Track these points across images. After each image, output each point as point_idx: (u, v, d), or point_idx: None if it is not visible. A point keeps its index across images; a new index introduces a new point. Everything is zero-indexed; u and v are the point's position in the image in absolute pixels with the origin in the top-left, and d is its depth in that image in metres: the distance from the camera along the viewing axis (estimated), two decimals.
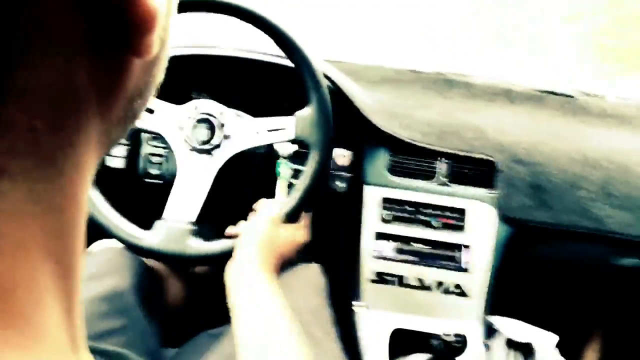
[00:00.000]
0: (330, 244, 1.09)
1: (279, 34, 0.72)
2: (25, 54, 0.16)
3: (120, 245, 0.75)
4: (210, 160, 0.75)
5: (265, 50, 0.93)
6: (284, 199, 0.77)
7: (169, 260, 0.75)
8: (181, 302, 0.92)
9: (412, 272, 0.87)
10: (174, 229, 0.72)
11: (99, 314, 0.65)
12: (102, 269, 0.72)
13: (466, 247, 0.88)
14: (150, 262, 0.82)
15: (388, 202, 0.89)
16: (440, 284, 0.87)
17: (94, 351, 0.25)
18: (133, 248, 0.72)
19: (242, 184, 0.92)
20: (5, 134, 0.17)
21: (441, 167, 0.90)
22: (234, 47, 0.93)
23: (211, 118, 0.75)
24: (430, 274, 0.87)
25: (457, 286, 0.87)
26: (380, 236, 0.89)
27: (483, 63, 1.81)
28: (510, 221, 0.88)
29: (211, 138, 0.75)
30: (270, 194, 0.82)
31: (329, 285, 0.78)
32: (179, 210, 0.73)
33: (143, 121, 0.76)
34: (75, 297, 0.21)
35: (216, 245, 0.72)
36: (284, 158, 0.82)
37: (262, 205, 0.76)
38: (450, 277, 0.87)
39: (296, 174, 0.83)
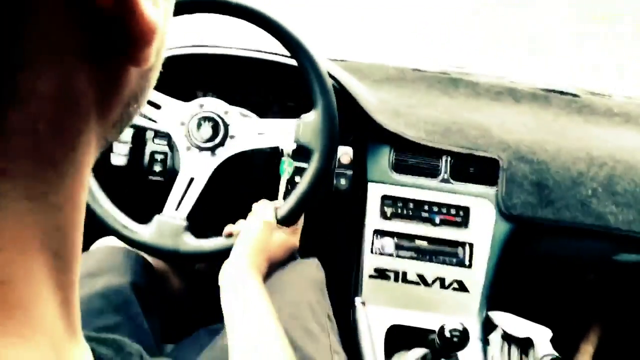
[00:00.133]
0: (331, 240, 1.09)
1: (287, 38, 0.72)
2: (28, 62, 0.17)
3: (120, 244, 0.75)
4: (212, 158, 0.75)
5: (271, 49, 0.93)
6: (281, 201, 0.77)
7: (161, 255, 0.75)
8: (180, 299, 0.92)
9: (412, 268, 0.88)
10: (169, 224, 0.72)
11: (96, 310, 0.66)
12: (100, 267, 0.72)
13: (469, 244, 0.88)
14: (150, 259, 0.82)
15: (390, 199, 0.89)
16: (440, 279, 0.88)
17: (90, 339, 0.26)
18: (127, 241, 0.73)
19: (244, 181, 0.92)
20: (7, 137, 0.17)
21: (445, 165, 0.90)
22: (238, 46, 0.94)
23: (216, 117, 0.75)
24: (431, 270, 0.88)
25: (458, 282, 0.88)
26: (382, 233, 0.89)
27: (484, 62, 1.81)
28: (512, 218, 0.88)
29: (215, 136, 0.75)
30: (273, 192, 0.82)
31: (328, 281, 0.78)
32: (175, 206, 0.74)
33: (149, 117, 0.76)
34: (72, 288, 0.22)
35: (209, 243, 0.73)
36: (288, 156, 0.82)
37: (260, 206, 0.76)
38: (451, 273, 0.88)
39: (299, 172, 0.83)
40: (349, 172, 0.90)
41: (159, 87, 0.75)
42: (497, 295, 0.90)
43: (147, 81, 0.24)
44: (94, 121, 0.21)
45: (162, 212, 0.74)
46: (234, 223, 0.77)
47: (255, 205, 0.77)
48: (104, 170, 0.85)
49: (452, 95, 1.00)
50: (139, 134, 0.88)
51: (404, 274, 0.88)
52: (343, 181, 0.90)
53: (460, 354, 0.75)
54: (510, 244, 0.89)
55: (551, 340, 0.83)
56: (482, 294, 0.88)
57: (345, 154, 0.90)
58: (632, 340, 1.17)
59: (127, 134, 0.86)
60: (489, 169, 0.90)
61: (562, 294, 1.19)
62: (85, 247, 0.82)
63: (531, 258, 1.02)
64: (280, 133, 0.76)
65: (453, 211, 0.89)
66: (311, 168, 0.73)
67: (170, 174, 0.86)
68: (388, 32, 2.04)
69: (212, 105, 0.77)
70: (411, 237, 0.89)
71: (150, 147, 0.88)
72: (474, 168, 0.90)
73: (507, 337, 0.85)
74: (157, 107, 0.76)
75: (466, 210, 0.89)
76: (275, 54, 0.93)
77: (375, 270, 0.88)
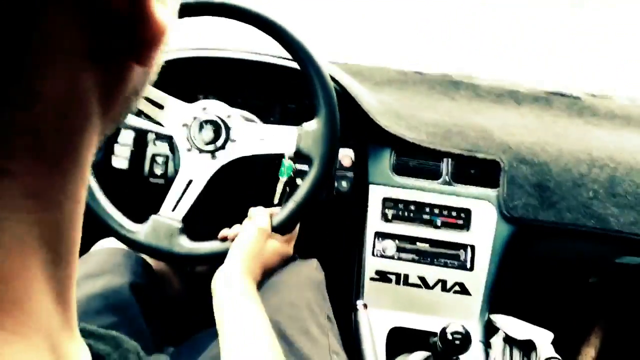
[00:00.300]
0: (332, 243, 1.09)
1: (291, 43, 0.72)
2: (37, 64, 0.17)
3: (120, 245, 0.75)
4: (212, 161, 0.75)
5: (271, 51, 0.93)
6: (277, 208, 0.76)
7: (156, 256, 0.75)
8: (180, 301, 0.92)
9: (413, 270, 0.88)
10: (164, 224, 0.72)
11: (94, 310, 0.66)
12: (99, 268, 0.72)
13: (471, 246, 0.88)
14: (150, 261, 0.82)
15: (391, 202, 0.89)
16: (442, 282, 0.88)
17: (89, 334, 0.26)
18: (123, 239, 0.72)
19: (243, 185, 0.92)
20: (11, 138, 0.17)
21: (446, 167, 0.90)
22: (239, 48, 0.94)
23: (218, 120, 0.75)
24: (432, 273, 0.88)
25: (460, 284, 0.87)
26: (383, 235, 0.89)
27: (484, 62, 1.81)
28: (514, 220, 0.88)
29: (216, 139, 0.75)
30: (271, 197, 0.83)
31: (330, 283, 0.78)
32: (172, 207, 0.74)
33: (152, 118, 0.76)
34: (68, 283, 0.22)
35: (204, 246, 0.72)
36: (289, 159, 0.82)
37: (255, 212, 0.75)
38: (452, 276, 0.88)
39: (300, 174, 0.83)
40: (350, 175, 0.90)
41: (161, 90, 0.75)
42: (498, 298, 0.90)
43: (147, 77, 0.25)
44: (96, 118, 0.21)
45: (159, 213, 0.74)
46: (230, 227, 0.77)
47: (251, 210, 0.76)
48: (105, 173, 0.85)
49: (453, 97, 1.00)
50: (141, 136, 0.88)
51: (406, 276, 0.88)
52: (344, 183, 0.90)
53: (462, 356, 0.74)
54: (512, 246, 0.89)
55: (553, 343, 0.82)
56: (484, 297, 0.88)
57: (346, 156, 0.90)
58: (634, 343, 1.17)
59: (129, 136, 0.86)
60: (490, 171, 0.90)
61: (564, 296, 1.19)
62: (86, 248, 0.82)
63: (532, 260, 1.02)
64: (281, 139, 0.75)
65: (454, 213, 0.89)
66: (309, 177, 0.72)
67: (171, 176, 0.86)
68: (388, 32, 2.04)
69: (215, 108, 0.77)
70: (412, 240, 0.89)
71: (151, 149, 0.88)
72: (475, 170, 0.90)
73: (509, 340, 0.85)
74: (160, 107, 0.76)
75: (467, 212, 0.89)
76: (276, 56, 0.93)
77: (377, 272, 0.88)
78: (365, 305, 0.88)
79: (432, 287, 0.88)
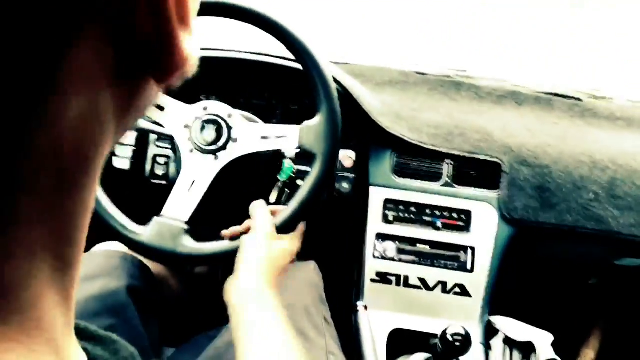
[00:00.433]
0: (332, 244, 1.09)
1: (293, 42, 0.72)
2: (61, 87, 0.17)
3: (117, 247, 0.75)
4: (213, 161, 0.75)
5: (274, 52, 0.93)
6: (278, 206, 0.76)
7: (159, 257, 0.74)
8: (179, 303, 0.92)
9: (414, 272, 0.88)
10: (168, 226, 0.72)
11: (91, 313, 0.65)
12: (97, 270, 0.72)
13: (471, 248, 0.88)
14: (148, 263, 0.82)
15: (392, 203, 0.89)
16: (442, 284, 0.88)
17: (87, 337, 0.26)
18: (126, 241, 0.72)
19: (245, 184, 0.92)
20: (30, 156, 0.17)
21: (447, 168, 0.90)
22: (241, 49, 0.94)
23: (219, 120, 0.75)
24: (433, 274, 0.88)
25: (460, 286, 0.88)
26: (384, 237, 0.89)
27: (484, 62, 1.81)
28: (514, 222, 0.88)
29: (218, 140, 0.75)
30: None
31: (330, 285, 0.78)
32: (176, 208, 0.73)
33: (153, 120, 0.76)
34: (72, 287, 0.22)
35: (209, 247, 0.72)
36: (290, 159, 0.82)
37: (257, 209, 0.73)
38: (453, 277, 0.88)
39: (301, 175, 0.82)
40: (351, 176, 0.90)
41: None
42: (498, 300, 0.90)
43: (159, 90, 0.25)
44: (111, 131, 0.21)
45: (162, 214, 0.73)
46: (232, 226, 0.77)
47: (251, 208, 0.73)
48: (106, 174, 0.85)
49: (454, 98, 1.00)
50: (143, 137, 0.87)
51: (406, 278, 0.88)
52: (345, 185, 0.90)
53: (462, 358, 0.75)
54: (512, 248, 0.89)
55: (553, 345, 0.83)
56: (484, 299, 0.88)
57: (347, 157, 0.90)
58: (634, 345, 1.17)
59: (131, 137, 0.86)
60: (491, 173, 0.90)
61: (564, 298, 1.19)
62: (86, 249, 0.82)
63: (533, 262, 1.02)
64: (283, 137, 0.75)
65: (455, 215, 0.89)
66: (313, 174, 0.72)
67: (173, 178, 0.86)
68: (388, 32, 2.04)
69: (216, 108, 0.77)
70: (413, 241, 0.89)
71: (152, 150, 0.88)
72: (476, 172, 0.90)
73: (509, 342, 0.85)
74: (161, 109, 0.75)
75: (468, 214, 0.89)
76: (278, 57, 0.93)
77: (377, 274, 0.88)
78: (365, 307, 0.88)
79: (433, 289, 0.88)
